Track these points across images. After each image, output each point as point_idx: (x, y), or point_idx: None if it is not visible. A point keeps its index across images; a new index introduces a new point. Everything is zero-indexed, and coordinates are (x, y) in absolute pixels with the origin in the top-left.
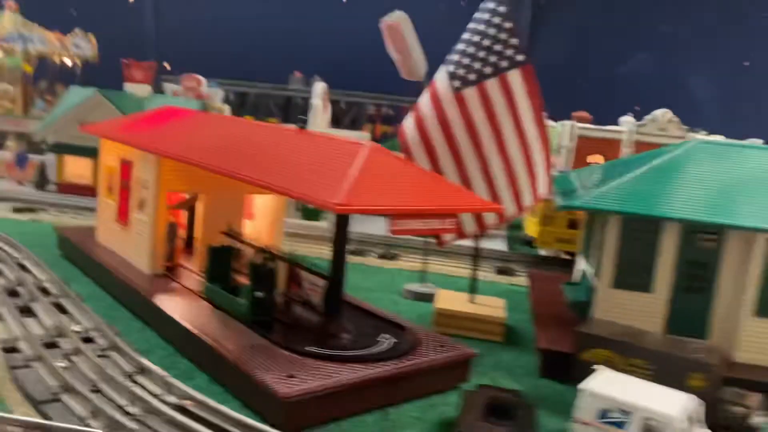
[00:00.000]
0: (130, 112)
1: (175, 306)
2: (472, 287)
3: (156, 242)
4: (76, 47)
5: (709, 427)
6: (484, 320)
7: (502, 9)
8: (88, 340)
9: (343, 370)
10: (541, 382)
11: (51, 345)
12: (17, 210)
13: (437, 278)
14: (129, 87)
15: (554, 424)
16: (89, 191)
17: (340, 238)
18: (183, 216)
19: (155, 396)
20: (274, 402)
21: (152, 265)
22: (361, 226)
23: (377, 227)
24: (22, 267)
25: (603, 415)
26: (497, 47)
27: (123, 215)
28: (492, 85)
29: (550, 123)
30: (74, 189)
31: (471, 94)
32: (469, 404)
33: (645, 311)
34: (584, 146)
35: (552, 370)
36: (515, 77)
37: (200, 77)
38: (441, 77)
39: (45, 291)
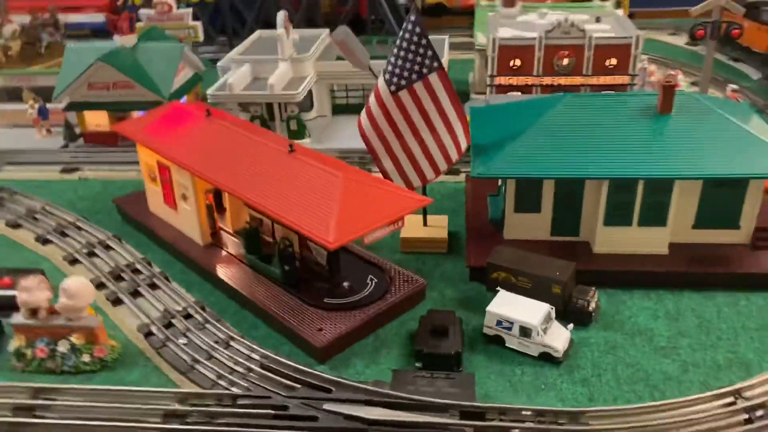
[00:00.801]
0: (127, 69)
1: (231, 275)
2: (424, 211)
3: (202, 222)
4: None
5: (565, 316)
6: (432, 241)
7: (417, 29)
8: (188, 316)
9: (351, 315)
10: (470, 285)
11: (168, 325)
12: (64, 171)
13: None
14: (118, 39)
15: (476, 321)
16: (111, 138)
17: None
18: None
19: (246, 356)
20: (312, 348)
21: (203, 238)
22: (339, 144)
23: (353, 141)
24: (109, 247)
25: (499, 323)
26: (418, 58)
27: (170, 201)
28: (419, 86)
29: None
30: (98, 137)
31: (404, 94)
32: (423, 326)
33: (537, 224)
34: (505, 53)
35: (477, 277)
36: (434, 78)
37: (170, 1)
38: (381, 82)
39: (138, 271)
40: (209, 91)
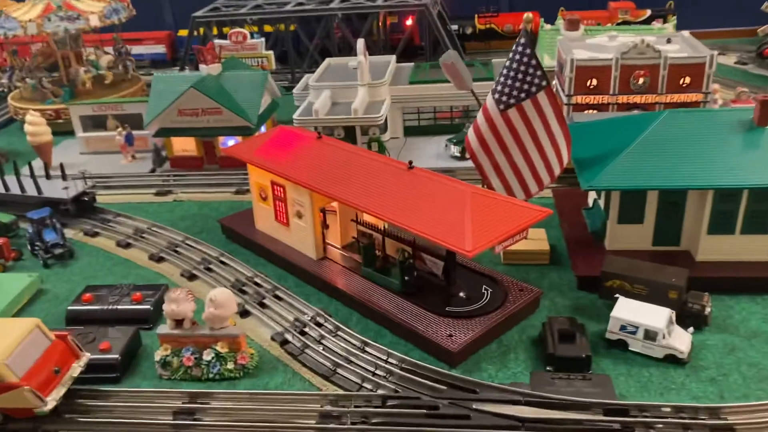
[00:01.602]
0: (216, 95)
1: (350, 286)
2: None
3: (317, 238)
4: (115, 12)
5: (681, 320)
6: (535, 252)
7: (528, 50)
8: (318, 323)
9: (475, 323)
10: (579, 293)
11: (302, 332)
12: (158, 194)
13: None
14: (204, 69)
15: (594, 328)
16: (197, 162)
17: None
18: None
19: (384, 360)
20: (445, 352)
21: (317, 254)
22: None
23: (429, 161)
24: (223, 263)
25: (623, 328)
26: (527, 77)
27: (282, 218)
28: (527, 105)
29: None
30: (184, 161)
31: (513, 112)
32: (548, 330)
33: (640, 235)
34: (582, 73)
35: (585, 286)
36: (542, 97)
37: (245, 31)
38: (489, 101)
39: (258, 284)
40: (295, 116)
